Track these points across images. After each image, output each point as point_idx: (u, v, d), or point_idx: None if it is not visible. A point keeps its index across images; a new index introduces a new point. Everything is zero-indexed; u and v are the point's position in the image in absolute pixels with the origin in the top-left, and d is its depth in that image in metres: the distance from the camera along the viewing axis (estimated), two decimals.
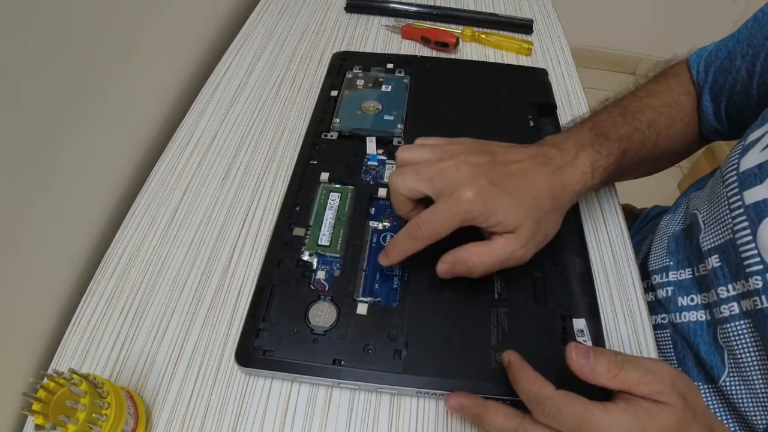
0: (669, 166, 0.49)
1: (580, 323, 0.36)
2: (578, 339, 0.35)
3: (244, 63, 0.60)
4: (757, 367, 0.34)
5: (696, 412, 0.27)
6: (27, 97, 0.35)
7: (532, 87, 0.54)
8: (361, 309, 0.36)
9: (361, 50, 0.62)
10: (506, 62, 0.61)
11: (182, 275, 0.41)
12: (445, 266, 0.34)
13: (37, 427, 0.27)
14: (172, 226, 0.44)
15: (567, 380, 0.28)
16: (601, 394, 0.28)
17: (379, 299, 0.37)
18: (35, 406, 0.27)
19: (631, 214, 0.66)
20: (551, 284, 0.38)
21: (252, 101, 0.55)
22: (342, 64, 0.57)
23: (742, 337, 0.34)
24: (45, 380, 0.28)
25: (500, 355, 0.33)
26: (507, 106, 0.53)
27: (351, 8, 0.69)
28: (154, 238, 0.43)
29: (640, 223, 0.63)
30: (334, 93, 0.53)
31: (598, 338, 0.36)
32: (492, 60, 0.62)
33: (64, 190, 0.39)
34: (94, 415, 0.27)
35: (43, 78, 0.36)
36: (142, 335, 0.37)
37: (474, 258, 0.33)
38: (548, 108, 0.52)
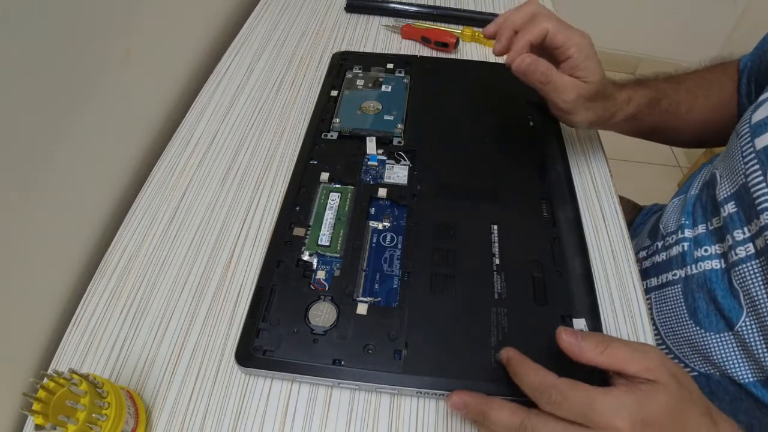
0: (709, 145, 0.54)
1: (580, 323, 0.36)
2: None
3: (244, 63, 0.60)
4: None
5: (692, 396, 0.27)
6: (27, 96, 0.35)
7: (532, 87, 0.54)
8: (361, 309, 0.36)
9: (361, 50, 0.62)
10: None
11: (182, 275, 0.41)
12: (525, 59, 0.38)
13: (37, 427, 0.27)
14: (172, 226, 0.44)
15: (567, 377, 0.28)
16: (601, 383, 0.28)
17: (379, 299, 0.37)
18: (35, 406, 0.27)
19: (635, 209, 0.67)
20: (551, 284, 0.38)
21: (252, 101, 0.55)
22: (342, 64, 0.57)
23: (755, 276, 0.36)
24: (45, 380, 0.28)
25: (498, 354, 0.33)
26: (507, 106, 0.53)
27: (351, 8, 0.69)
28: (154, 238, 0.43)
29: (642, 218, 0.64)
30: (334, 93, 0.53)
31: None
32: (492, 60, 0.62)
33: (64, 190, 0.39)
34: (94, 415, 0.27)
35: (43, 78, 0.36)
36: (142, 335, 0.37)
37: (550, 67, 0.39)
38: (548, 108, 0.52)
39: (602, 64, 0.49)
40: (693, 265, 0.42)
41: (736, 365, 0.38)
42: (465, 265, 0.39)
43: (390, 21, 0.67)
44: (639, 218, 0.64)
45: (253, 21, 0.66)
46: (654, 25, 1.71)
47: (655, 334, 0.44)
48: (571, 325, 0.36)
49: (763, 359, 0.36)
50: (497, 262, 0.39)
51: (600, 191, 0.47)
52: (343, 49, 0.61)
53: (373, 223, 0.42)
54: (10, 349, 0.35)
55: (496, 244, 0.40)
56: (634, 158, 1.53)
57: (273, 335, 0.35)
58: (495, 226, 0.41)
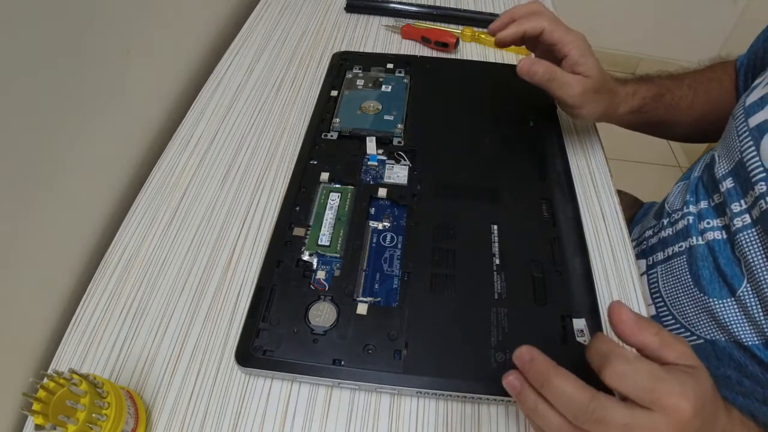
0: (705, 139, 0.56)
1: (580, 323, 0.36)
2: (578, 339, 0.35)
3: (244, 63, 0.60)
4: (766, 273, 0.37)
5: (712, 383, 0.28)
6: (27, 97, 0.35)
7: (532, 87, 0.54)
8: (361, 309, 0.36)
9: (361, 50, 0.62)
10: (506, 62, 0.61)
11: (182, 275, 0.41)
12: (526, 63, 0.41)
13: (37, 427, 0.27)
14: (172, 226, 0.44)
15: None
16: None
17: (379, 299, 0.37)
18: (35, 406, 0.27)
19: (636, 203, 0.69)
20: (551, 284, 0.38)
21: (252, 101, 0.55)
22: (342, 64, 0.57)
23: (752, 244, 0.38)
24: (45, 380, 0.28)
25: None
26: (507, 106, 0.53)
27: (351, 8, 0.69)
28: (154, 238, 0.43)
29: (643, 212, 0.65)
30: (334, 93, 0.53)
31: None
32: (492, 60, 0.62)
33: (64, 191, 0.39)
34: (94, 415, 0.27)
35: (44, 78, 0.36)
36: (142, 335, 0.37)
37: (551, 66, 0.41)
38: (548, 108, 0.52)
39: (602, 64, 0.49)
40: (698, 236, 0.44)
41: (741, 328, 0.39)
42: (465, 265, 0.39)
43: (390, 21, 0.67)
44: (641, 212, 0.65)
45: (253, 21, 0.66)
46: (654, 25, 1.71)
47: (662, 307, 0.45)
48: (571, 324, 0.36)
49: (762, 323, 0.38)
50: (497, 262, 0.39)
51: (600, 191, 0.47)
52: (343, 49, 0.61)
53: (373, 223, 0.42)
54: (10, 349, 0.35)
55: (496, 244, 0.40)
56: (634, 158, 1.53)
57: (273, 335, 0.35)
58: (495, 226, 0.41)
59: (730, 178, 0.42)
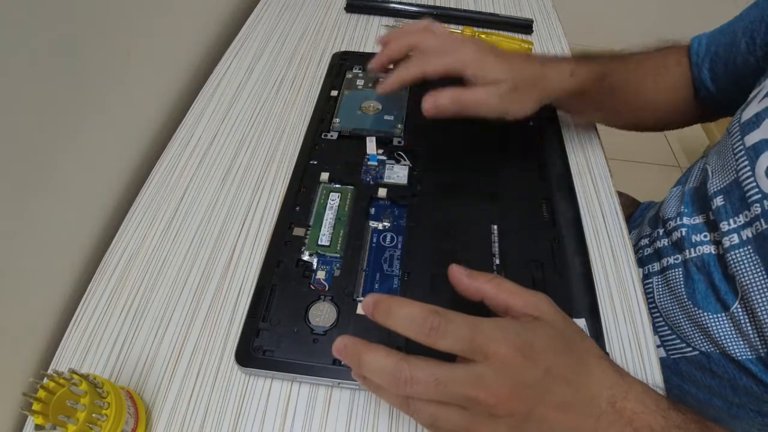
0: (661, 128, 0.53)
1: (580, 323, 0.36)
2: None
3: (244, 63, 0.60)
4: (759, 292, 0.36)
5: (585, 342, 0.28)
6: (27, 97, 0.35)
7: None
8: (361, 309, 0.36)
9: (361, 50, 0.62)
10: None
11: (182, 275, 0.41)
12: (429, 100, 0.38)
13: (37, 427, 0.27)
14: (172, 226, 0.44)
15: None
16: None
17: None
18: (35, 406, 0.27)
19: (634, 203, 0.69)
20: (551, 284, 0.38)
21: (252, 101, 0.55)
22: (342, 64, 0.57)
23: (745, 262, 0.38)
24: (45, 380, 0.28)
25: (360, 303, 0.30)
26: None
27: (351, 8, 0.69)
28: (154, 238, 0.43)
29: (640, 212, 0.64)
30: (334, 93, 0.53)
31: (598, 338, 0.36)
32: None
33: (64, 191, 0.39)
34: (94, 415, 0.27)
35: (44, 78, 0.36)
36: (142, 335, 0.37)
37: (455, 92, 0.38)
38: (548, 108, 0.52)
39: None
40: (692, 249, 0.43)
41: (733, 343, 0.39)
42: (465, 265, 0.39)
43: (390, 21, 0.67)
44: (638, 212, 0.65)
45: (253, 21, 0.66)
46: (654, 25, 1.71)
47: (657, 317, 0.45)
48: None
49: (754, 340, 0.37)
50: (497, 262, 0.39)
51: (600, 191, 0.47)
52: (343, 49, 0.61)
53: (373, 223, 0.42)
54: (10, 349, 0.35)
55: (496, 244, 0.40)
56: (634, 158, 1.53)
57: (273, 335, 0.35)
58: (495, 226, 0.41)
59: (721, 196, 0.40)
